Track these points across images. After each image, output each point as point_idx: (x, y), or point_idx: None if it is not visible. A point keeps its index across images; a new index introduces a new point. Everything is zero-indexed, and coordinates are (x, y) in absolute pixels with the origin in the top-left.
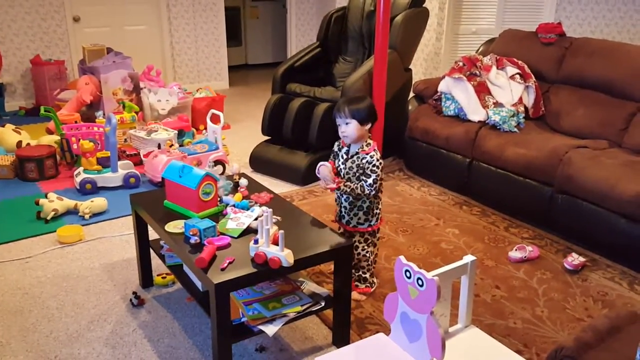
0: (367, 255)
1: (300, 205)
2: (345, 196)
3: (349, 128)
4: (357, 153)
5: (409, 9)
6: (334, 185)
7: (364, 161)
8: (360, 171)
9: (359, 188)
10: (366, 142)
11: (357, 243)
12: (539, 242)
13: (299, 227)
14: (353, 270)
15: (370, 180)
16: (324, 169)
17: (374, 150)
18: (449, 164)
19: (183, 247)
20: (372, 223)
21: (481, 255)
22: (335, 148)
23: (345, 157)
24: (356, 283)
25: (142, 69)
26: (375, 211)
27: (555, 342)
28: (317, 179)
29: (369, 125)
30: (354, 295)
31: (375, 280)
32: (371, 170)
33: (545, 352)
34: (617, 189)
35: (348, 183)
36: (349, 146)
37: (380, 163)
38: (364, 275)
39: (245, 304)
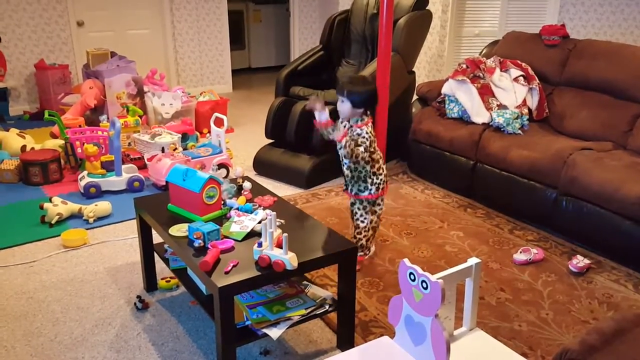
0: (365, 222)
1: (304, 208)
2: (345, 166)
3: (343, 106)
4: (351, 126)
5: (412, 12)
6: (328, 122)
7: (355, 133)
8: (353, 143)
9: (352, 145)
10: (361, 117)
11: (355, 210)
12: (544, 245)
13: (302, 230)
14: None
15: (361, 149)
16: (315, 98)
17: (366, 125)
18: (453, 166)
19: (187, 250)
20: (371, 192)
21: (486, 258)
22: (340, 122)
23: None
24: None
25: (146, 73)
26: (374, 180)
27: (561, 344)
28: (321, 182)
29: (361, 110)
30: None
31: (372, 248)
32: (361, 141)
33: (551, 355)
34: (621, 191)
35: (334, 131)
36: (348, 120)
37: (370, 135)
38: (360, 242)
39: (249, 307)
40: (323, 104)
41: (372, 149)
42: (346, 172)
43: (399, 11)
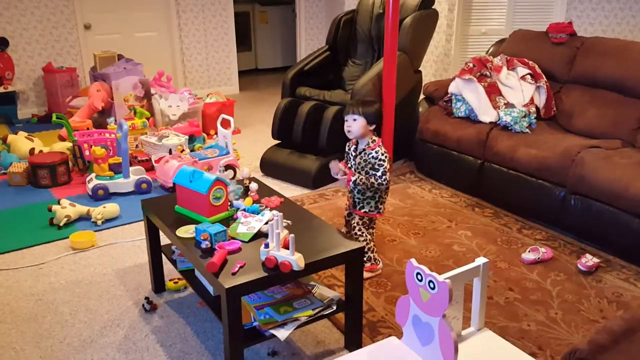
0: (363, 235)
1: (311, 208)
2: (357, 188)
3: (355, 124)
4: (364, 150)
5: (418, 11)
6: (347, 176)
7: (370, 156)
8: (369, 165)
9: (371, 179)
10: (371, 139)
11: (354, 224)
12: (552, 244)
13: (309, 230)
14: None
15: (379, 173)
16: (334, 164)
17: (379, 145)
18: (460, 165)
19: (194, 251)
20: (380, 210)
21: (494, 257)
22: (347, 149)
23: (354, 154)
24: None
25: (153, 75)
26: (384, 199)
27: (570, 344)
28: (327, 182)
29: (373, 126)
30: (364, 274)
31: (379, 259)
32: (378, 164)
33: (560, 355)
34: (630, 189)
35: (360, 175)
36: (356, 144)
37: (386, 156)
38: (367, 255)
39: (256, 308)
40: (339, 168)
41: (388, 169)
42: (357, 195)
43: (405, 10)
